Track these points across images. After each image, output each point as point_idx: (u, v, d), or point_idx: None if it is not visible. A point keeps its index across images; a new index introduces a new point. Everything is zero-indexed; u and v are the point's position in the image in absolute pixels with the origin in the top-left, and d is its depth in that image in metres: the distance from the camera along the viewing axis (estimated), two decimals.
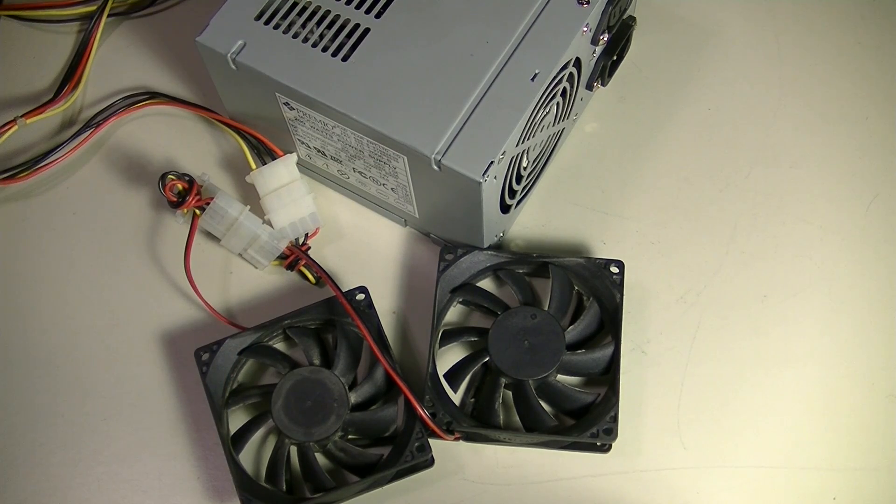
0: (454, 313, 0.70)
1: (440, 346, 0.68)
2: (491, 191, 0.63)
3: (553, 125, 0.70)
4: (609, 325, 0.68)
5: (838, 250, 0.71)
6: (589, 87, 0.74)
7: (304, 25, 0.67)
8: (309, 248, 0.72)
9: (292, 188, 0.71)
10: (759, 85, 0.78)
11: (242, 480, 0.63)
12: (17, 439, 0.68)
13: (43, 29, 0.83)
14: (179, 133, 0.78)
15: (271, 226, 0.71)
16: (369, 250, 0.73)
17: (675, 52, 0.80)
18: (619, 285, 0.67)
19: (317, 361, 0.67)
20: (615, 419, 0.63)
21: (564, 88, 0.69)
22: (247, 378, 0.69)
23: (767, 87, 0.78)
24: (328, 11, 0.67)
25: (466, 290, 0.69)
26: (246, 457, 0.66)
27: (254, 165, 0.73)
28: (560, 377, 0.67)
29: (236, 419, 0.67)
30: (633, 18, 0.75)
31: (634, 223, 0.73)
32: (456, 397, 0.67)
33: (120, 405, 0.69)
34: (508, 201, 0.69)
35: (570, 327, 0.67)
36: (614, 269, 0.68)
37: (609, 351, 0.66)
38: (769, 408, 0.67)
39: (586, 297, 0.69)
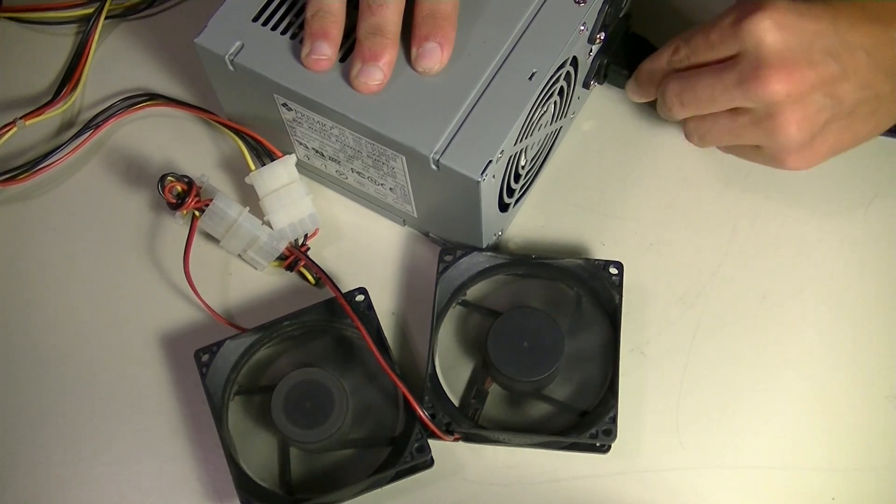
0: (454, 314, 0.70)
1: (439, 347, 0.67)
2: (489, 190, 0.63)
3: (551, 124, 0.70)
4: (608, 327, 0.67)
5: (838, 250, 0.71)
6: (586, 85, 0.74)
7: (302, 26, 0.67)
8: (308, 248, 0.72)
9: (291, 189, 0.71)
10: None
11: (242, 481, 0.63)
12: (17, 439, 0.68)
13: (42, 31, 0.83)
14: (178, 134, 0.78)
15: (270, 227, 0.71)
16: (369, 251, 0.73)
17: None
18: (619, 286, 0.67)
19: (317, 362, 0.67)
20: (614, 420, 0.63)
21: (562, 87, 0.69)
22: (247, 379, 0.69)
23: None
24: None
25: (466, 291, 0.69)
26: (246, 457, 0.66)
27: (253, 167, 0.73)
28: (559, 378, 0.67)
29: (236, 419, 0.67)
30: (630, 16, 0.75)
31: (633, 224, 0.73)
32: (455, 398, 0.67)
33: (120, 405, 0.69)
34: (507, 200, 0.68)
35: (570, 328, 0.67)
36: (613, 271, 0.68)
37: (608, 352, 0.66)
38: (769, 408, 0.67)
39: (586, 298, 0.69)
